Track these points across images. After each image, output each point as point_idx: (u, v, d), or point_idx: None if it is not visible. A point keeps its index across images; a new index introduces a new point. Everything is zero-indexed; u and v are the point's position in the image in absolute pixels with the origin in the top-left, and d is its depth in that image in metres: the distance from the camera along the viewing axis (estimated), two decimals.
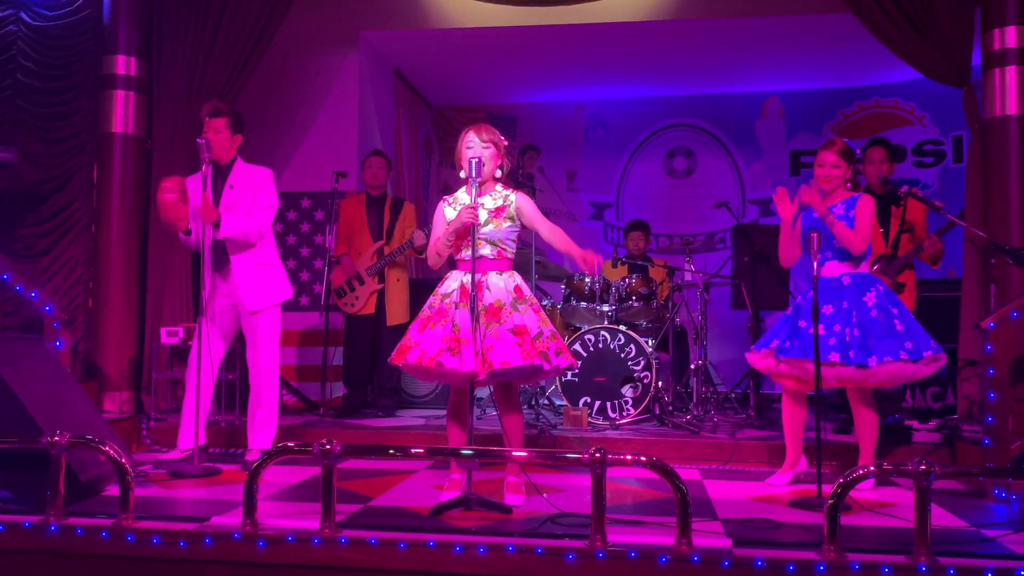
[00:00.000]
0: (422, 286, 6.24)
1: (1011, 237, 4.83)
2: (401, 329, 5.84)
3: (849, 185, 4.18)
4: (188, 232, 4.45)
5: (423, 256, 5.99)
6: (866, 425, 4.10)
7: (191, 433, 4.42)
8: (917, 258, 5.08)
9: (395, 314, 5.88)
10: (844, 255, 4.08)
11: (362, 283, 5.84)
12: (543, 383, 5.99)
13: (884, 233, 5.20)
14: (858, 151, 4.31)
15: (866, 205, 4.04)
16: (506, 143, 3.84)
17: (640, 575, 2.80)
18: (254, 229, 4.50)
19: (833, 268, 4.10)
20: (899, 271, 5.09)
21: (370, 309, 5.87)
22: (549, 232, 3.75)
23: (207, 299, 4.41)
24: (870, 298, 4.03)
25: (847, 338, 3.93)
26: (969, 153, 5.19)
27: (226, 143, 4.54)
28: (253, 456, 4.49)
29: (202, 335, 4.35)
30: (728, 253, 6.86)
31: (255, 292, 4.51)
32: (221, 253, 4.49)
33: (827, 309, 4.00)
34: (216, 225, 4.34)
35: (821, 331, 3.91)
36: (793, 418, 4.19)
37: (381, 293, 5.87)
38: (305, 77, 6.89)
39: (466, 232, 3.61)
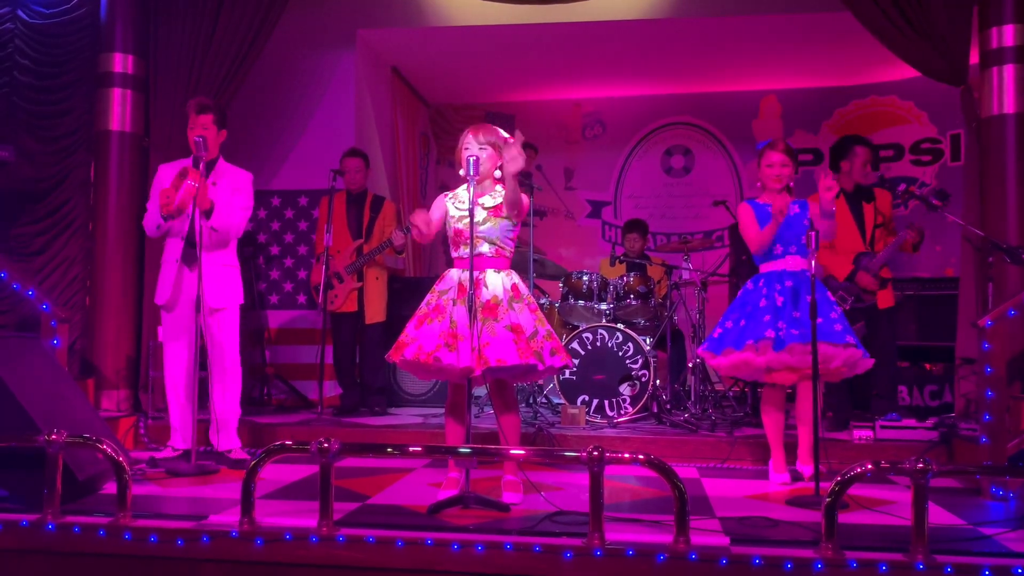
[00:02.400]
0: (418, 285, 6.24)
1: (1008, 235, 4.83)
2: (379, 327, 5.86)
3: (792, 184, 4.22)
4: (171, 217, 4.43)
5: (402, 255, 6.00)
6: (812, 412, 4.13)
7: (180, 433, 4.48)
8: (900, 249, 5.07)
9: (374, 312, 5.87)
10: (804, 251, 4.11)
11: (341, 281, 5.83)
12: (541, 381, 5.98)
13: (860, 231, 5.20)
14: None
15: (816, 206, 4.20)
16: (506, 140, 3.81)
17: (638, 573, 2.80)
18: (235, 227, 4.54)
19: (797, 263, 4.15)
20: (881, 267, 5.09)
21: (351, 307, 5.85)
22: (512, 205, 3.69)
23: (176, 291, 4.43)
24: (829, 295, 4.19)
25: (848, 326, 4.05)
26: (966, 152, 5.20)
27: (213, 139, 4.55)
28: (238, 455, 4.52)
29: (201, 330, 4.37)
30: (726, 251, 6.86)
31: (219, 290, 4.53)
32: (191, 249, 4.46)
33: (809, 299, 4.03)
34: (208, 213, 4.35)
35: (819, 319, 3.94)
36: (779, 422, 4.22)
37: (361, 291, 5.86)
38: (302, 75, 6.87)
39: (465, 229, 3.61)
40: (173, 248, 4.53)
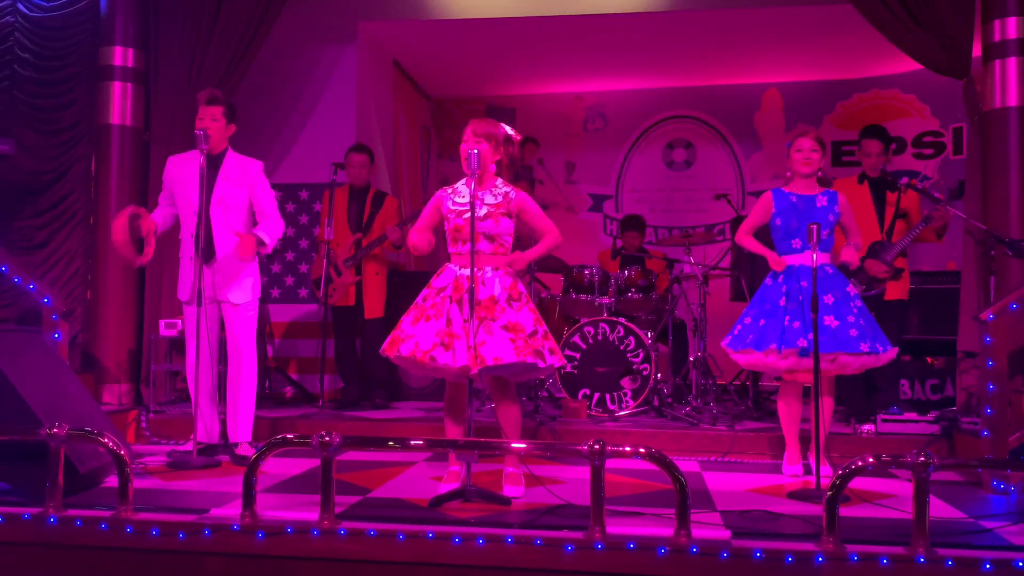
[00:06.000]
0: (417, 279, 6.23)
1: (1010, 229, 4.83)
2: (378, 323, 5.84)
3: (820, 173, 4.21)
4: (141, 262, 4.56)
5: (400, 249, 6.00)
6: (828, 413, 4.18)
7: (201, 426, 4.49)
8: (921, 237, 5.03)
9: (373, 308, 5.87)
10: (824, 245, 4.10)
11: (339, 275, 5.82)
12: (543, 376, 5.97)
13: (879, 220, 5.20)
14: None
15: (847, 203, 4.23)
16: (507, 135, 3.78)
17: (639, 566, 2.81)
18: (281, 225, 4.62)
19: (817, 258, 4.11)
20: (895, 257, 5.08)
21: (350, 301, 5.85)
22: (543, 233, 3.79)
23: (198, 290, 4.43)
24: (851, 289, 4.13)
25: (864, 326, 3.99)
26: (969, 145, 5.19)
27: (221, 131, 4.54)
28: (244, 450, 4.51)
29: (200, 327, 4.36)
30: (727, 245, 6.86)
31: (240, 286, 4.53)
32: (209, 247, 4.47)
33: (828, 298, 4.01)
34: (262, 244, 4.45)
35: (835, 323, 3.94)
36: (794, 414, 4.21)
37: (359, 286, 5.86)
38: (303, 68, 6.86)
39: (465, 224, 3.61)
40: (187, 246, 4.53)
